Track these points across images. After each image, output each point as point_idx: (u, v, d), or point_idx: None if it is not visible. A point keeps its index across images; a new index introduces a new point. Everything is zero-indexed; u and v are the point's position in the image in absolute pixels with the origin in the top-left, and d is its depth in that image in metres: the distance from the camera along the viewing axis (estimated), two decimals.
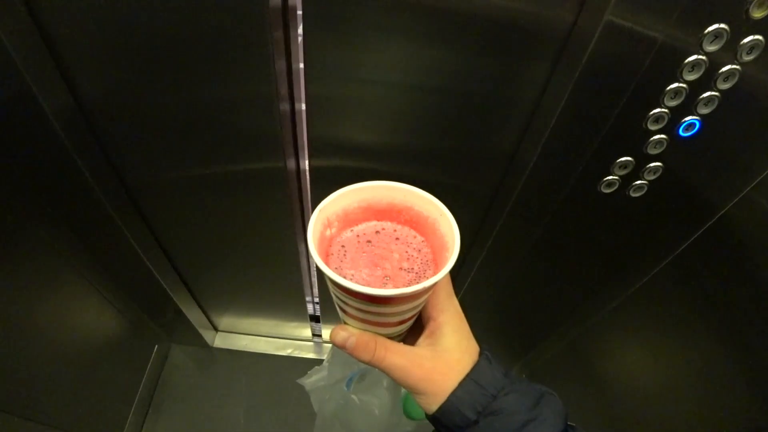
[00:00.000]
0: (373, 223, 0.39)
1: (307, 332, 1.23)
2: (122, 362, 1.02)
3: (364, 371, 0.70)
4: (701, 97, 0.46)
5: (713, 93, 0.45)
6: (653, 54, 0.42)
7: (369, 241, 0.37)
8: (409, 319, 0.37)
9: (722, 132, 0.49)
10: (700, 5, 0.39)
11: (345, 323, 0.38)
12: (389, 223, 0.39)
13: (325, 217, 0.36)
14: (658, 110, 0.47)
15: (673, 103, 0.46)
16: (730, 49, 0.42)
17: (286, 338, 1.25)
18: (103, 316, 0.92)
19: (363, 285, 0.32)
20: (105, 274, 0.87)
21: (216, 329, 1.25)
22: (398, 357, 0.35)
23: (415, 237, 0.38)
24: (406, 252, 0.37)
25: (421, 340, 0.37)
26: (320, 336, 1.24)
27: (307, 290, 1.02)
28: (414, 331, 0.39)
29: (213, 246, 0.87)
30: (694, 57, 0.42)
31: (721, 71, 0.43)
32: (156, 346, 1.15)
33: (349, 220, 0.38)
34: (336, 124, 0.58)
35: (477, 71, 0.50)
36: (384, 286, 0.35)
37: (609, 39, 0.42)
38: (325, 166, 0.64)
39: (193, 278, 0.98)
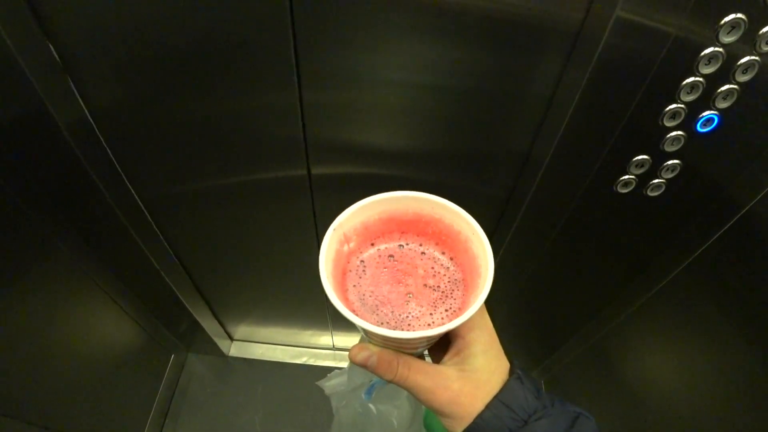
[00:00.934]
0: (396, 236, 0.36)
1: (324, 340, 1.22)
2: (139, 372, 1.03)
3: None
4: (719, 90, 0.44)
5: (732, 86, 0.44)
6: (667, 48, 0.41)
7: (391, 256, 0.35)
8: (434, 341, 0.35)
9: (743, 126, 0.48)
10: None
11: (367, 341, 0.36)
12: (414, 237, 0.36)
13: (342, 234, 0.34)
14: (674, 106, 0.46)
15: (690, 98, 0.45)
16: (748, 39, 0.40)
17: (302, 346, 1.25)
18: (121, 327, 0.93)
19: (383, 308, 0.31)
20: (122, 286, 0.87)
21: (231, 338, 1.25)
22: (422, 377, 0.33)
23: (443, 253, 0.35)
24: (432, 268, 0.35)
25: (448, 358, 0.35)
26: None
27: (324, 297, 1.02)
28: (440, 345, 0.37)
29: (229, 256, 0.88)
30: (710, 49, 0.41)
31: (739, 63, 0.42)
32: (172, 356, 1.16)
33: (369, 233, 0.36)
34: (341, 128, 0.58)
35: (486, 69, 0.49)
36: (406, 303, 0.33)
37: (620, 34, 0.41)
38: (330, 174, 0.64)
39: (209, 289, 0.99)
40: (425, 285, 0.34)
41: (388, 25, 0.45)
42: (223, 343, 1.20)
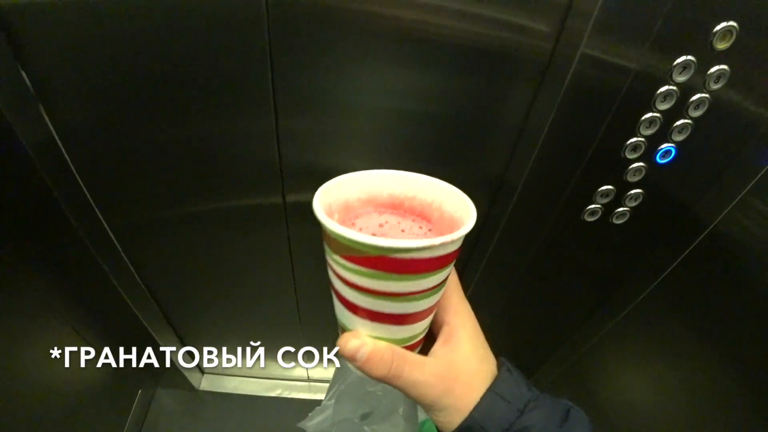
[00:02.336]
0: (375, 216, 0.36)
1: (299, 371, 1.19)
2: (104, 408, 0.98)
3: (374, 408, 0.66)
4: (675, 125, 0.47)
5: (686, 120, 0.47)
6: (628, 84, 0.44)
7: (373, 234, 0.34)
8: (427, 313, 0.33)
9: (698, 157, 0.51)
10: (668, 39, 0.41)
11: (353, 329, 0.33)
12: (392, 217, 0.36)
13: (328, 203, 0.33)
14: (635, 139, 0.49)
15: (649, 132, 0.48)
16: (699, 78, 0.44)
17: (276, 378, 1.21)
18: (85, 360, 0.88)
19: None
20: (87, 317, 0.84)
21: (203, 371, 1.21)
22: (417, 372, 0.31)
23: (420, 228, 0.35)
24: (417, 235, 0.35)
25: (437, 347, 0.33)
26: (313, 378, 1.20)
27: (298, 328, 1.00)
28: (425, 341, 0.35)
29: (201, 285, 0.85)
30: (665, 87, 0.44)
31: (691, 100, 0.45)
32: (140, 391, 1.10)
33: (350, 212, 0.35)
34: (316, 155, 0.58)
35: (459, 97, 0.51)
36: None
37: (586, 69, 0.44)
38: (305, 201, 0.64)
39: (179, 319, 0.95)
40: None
41: (365, 53, 0.47)
42: (193, 377, 1.15)
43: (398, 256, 0.27)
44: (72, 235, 0.64)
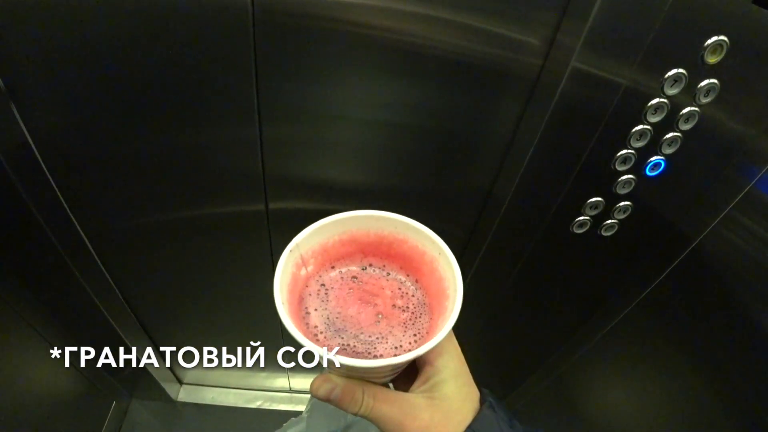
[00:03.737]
0: (358, 259, 0.34)
1: (280, 382, 1.17)
2: (77, 421, 0.94)
3: (349, 425, 0.65)
4: (665, 137, 0.47)
5: (676, 134, 0.47)
6: (618, 98, 0.44)
7: (354, 278, 0.33)
8: (401, 369, 0.33)
9: (687, 170, 0.51)
10: (658, 53, 0.41)
11: (328, 372, 0.33)
12: (377, 260, 0.34)
13: (299, 256, 0.31)
14: (625, 151, 0.48)
15: (639, 144, 0.48)
16: (689, 92, 0.44)
17: (257, 389, 1.19)
18: (56, 371, 0.85)
19: (351, 329, 0.29)
20: (59, 326, 0.81)
21: (180, 382, 1.17)
22: (389, 407, 0.31)
23: (407, 275, 0.34)
24: (400, 289, 0.33)
25: (416, 386, 0.33)
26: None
27: (279, 338, 0.98)
28: (407, 373, 0.35)
29: (179, 294, 0.83)
30: (656, 100, 0.44)
31: (681, 113, 0.45)
32: (114, 403, 1.06)
33: (329, 256, 0.33)
34: (300, 163, 0.57)
35: (446, 109, 0.50)
36: (377, 323, 0.31)
37: (576, 83, 0.43)
38: (287, 209, 0.63)
39: (156, 328, 0.93)
40: (394, 305, 0.32)
41: (351, 63, 0.46)
42: (171, 388, 1.12)
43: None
44: (44, 241, 0.62)
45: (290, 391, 1.19)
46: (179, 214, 0.64)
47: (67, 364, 0.85)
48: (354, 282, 0.33)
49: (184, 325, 0.94)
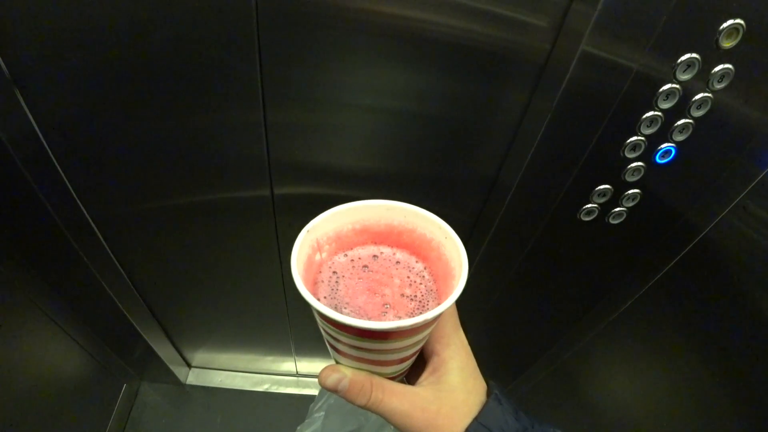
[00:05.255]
0: (370, 247, 0.35)
1: (287, 366, 1.18)
2: (87, 403, 0.96)
3: (363, 424, 0.65)
4: (676, 124, 0.46)
5: (687, 120, 0.46)
6: (629, 83, 0.43)
7: (366, 266, 0.34)
8: (410, 356, 0.33)
9: (698, 158, 0.50)
10: (672, 36, 0.40)
11: (336, 362, 0.34)
12: (388, 248, 0.35)
13: (315, 239, 0.32)
14: (635, 138, 0.47)
15: (649, 131, 0.47)
16: (702, 77, 0.42)
17: (264, 373, 1.20)
18: (67, 355, 0.86)
19: (357, 317, 0.29)
20: (70, 311, 0.82)
21: (189, 365, 1.19)
22: (398, 400, 0.31)
23: (417, 262, 0.35)
24: (408, 277, 0.34)
25: (424, 378, 0.34)
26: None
27: (286, 321, 0.99)
28: (415, 367, 0.36)
29: (186, 279, 0.84)
30: (668, 86, 0.43)
31: (694, 99, 0.44)
32: (125, 385, 1.09)
33: (342, 243, 0.34)
34: (305, 148, 0.57)
35: (452, 95, 0.49)
36: (384, 315, 0.31)
37: (585, 68, 0.42)
38: (293, 194, 0.63)
39: (164, 313, 0.94)
40: (402, 295, 0.33)
41: (355, 48, 0.45)
42: (179, 371, 1.14)
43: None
44: (54, 228, 0.62)
45: (297, 374, 1.20)
46: (185, 200, 0.65)
47: (78, 348, 0.87)
48: (364, 271, 0.34)
49: (192, 310, 0.95)
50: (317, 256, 0.33)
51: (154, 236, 0.72)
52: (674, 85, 0.43)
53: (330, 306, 0.31)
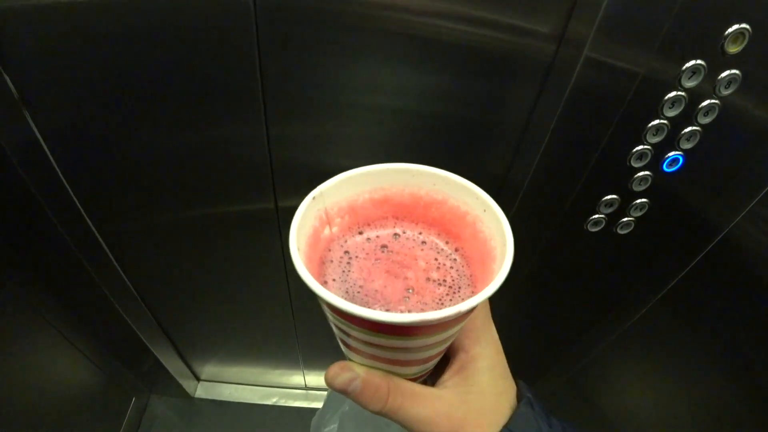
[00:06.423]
0: (391, 223, 0.29)
1: (295, 379, 1.17)
2: (97, 416, 0.96)
3: None
4: (683, 132, 0.45)
5: (694, 128, 0.45)
6: (633, 91, 0.42)
7: (384, 246, 0.28)
8: (436, 356, 0.28)
9: (706, 166, 0.48)
10: (676, 42, 0.39)
11: (349, 359, 0.29)
12: (412, 224, 0.29)
13: (323, 208, 0.27)
14: (641, 147, 0.46)
15: (655, 140, 0.46)
16: (709, 84, 0.41)
17: (272, 386, 1.20)
18: (75, 368, 0.87)
19: (373, 303, 0.24)
20: (78, 325, 0.83)
21: (198, 378, 1.19)
22: (419, 406, 0.27)
23: (447, 243, 0.29)
24: (436, 260, 0.28)
25: (448, 377, 0.29)
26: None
27: (293, 334, 0.99)
28: (437, 366, 0.31)
29: (194, 292, 0.84)
30: (673, 93, 0.42)
31: (701, 106, 0.43)
32: (133, 399, 1.09)
33: (357, 217, 0.29)
34: (309, 158, 0.56)
35: (458, 96, 0.48)
36: (405, 300, 0.26)
37: (589, 74, 0.41)
38: (296, 206, 0.62)
39: (172, 326, 0.94)
40: (428, 279, 0.27)
41: (358, 51, 0.45)
42: (188, 384, 1.14)
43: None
44: (60, 240, 0.63)
45: (306, 388, 1.19)
46: (191, 213, 0.65)
47: (87, 362, 0.87)
48: (383, 252, 0.28)
49: (200, 323, 0.95)
50: (326, 230, 0.28)
51: (161, 250, 0.72)
52: (680, 93, 0.42)
53: (340, 291, 0.26)
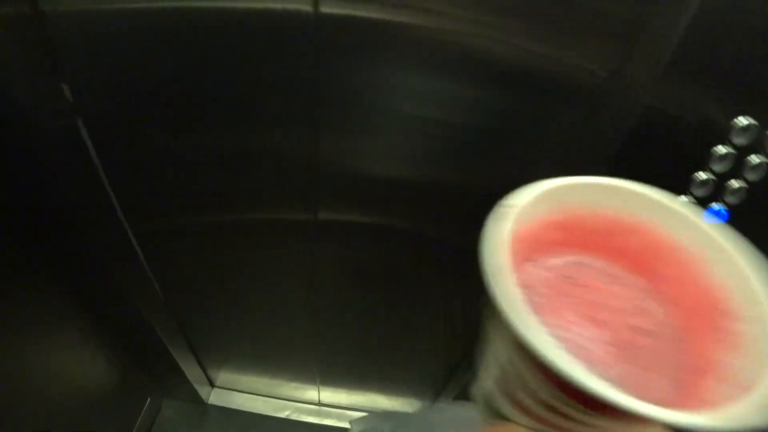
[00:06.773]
0: (572, 251, 0.22)
1: (310, 394, 1.17)
2: (111, 415, 0.97)
3: None
4: (728, 185, 0.45)
5: (741, 184, 0.44)
6: (683, 140, 0.42)
7: (569, 277, 0.22)
8: None
9: (752, 222, 0.48)
10: (728, 97, 0.39)
11: (501, 412, 0.21)
12: (597, 256, 0.22)
13: (514, 230, 0.20)
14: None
15: (700, 192, 0.45)
16: (758, 142, 0.41)
17: (286, 399, 1.19)
18: (95, 368, 0.88)
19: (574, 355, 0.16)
20: (98, 324, 0.84)
21: (212, 385, 1.20)
22: None
23: (641, 292, 0.22)
24: (635, 298, 0.21)
25: None
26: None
27: (312, 349, 0.99)
28: None
29: (218, 298, 0.85)
30: (722, 149, 0.42)
31: (748, 163, 0.43)
32: (148, 400, 1.10)
33: (532, 242, 0.22)
34: (355, 173, 0.56)
35: (509, 115, 0.49)
36: (611, 358, 0.19)
37: (643, 121, 0.42)
38: (336, 220, 0.63)
39: (193, 330, 0.95)
40: (631, 327, 0.20)
41: (416, 66, 0.45)
42: (202, 389, 1.14)
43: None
44: (90, 241, 0.64)
45: (319, 404, 1.19)
46: (228, 217, 0.66)
47: (105, 361, 0.88)
48: (569, 283, 0.22)
49: (220, 329, 0.96)
50: None
51: (192, 253, 0.73)
52: (730, 150, 0.42)
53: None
